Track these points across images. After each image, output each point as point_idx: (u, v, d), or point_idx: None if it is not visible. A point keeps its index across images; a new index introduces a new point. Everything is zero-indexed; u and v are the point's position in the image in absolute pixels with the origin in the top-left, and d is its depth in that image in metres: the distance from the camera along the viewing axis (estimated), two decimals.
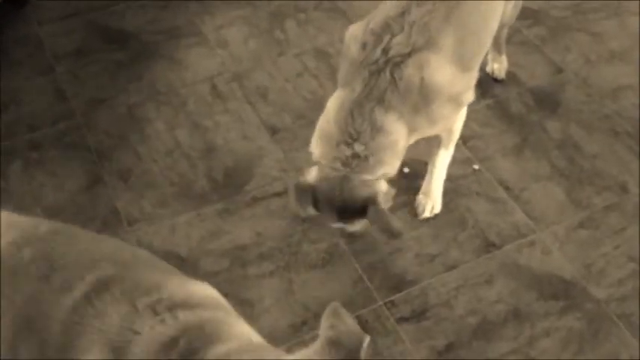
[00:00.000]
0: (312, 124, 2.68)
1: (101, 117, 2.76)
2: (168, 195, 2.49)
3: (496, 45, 2.78)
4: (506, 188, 2.53)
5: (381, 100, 2.02)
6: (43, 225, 1.45)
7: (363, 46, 2.07)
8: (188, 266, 2.30)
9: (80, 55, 3.00)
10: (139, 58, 2.99)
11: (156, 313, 1.25)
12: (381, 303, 2.23)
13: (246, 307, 2.20)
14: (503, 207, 2.48)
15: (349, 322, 1.17)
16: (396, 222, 2.08)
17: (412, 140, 2.15)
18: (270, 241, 2.37)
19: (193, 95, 2.83)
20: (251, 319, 2.17)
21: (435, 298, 2.24)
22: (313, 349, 1.15)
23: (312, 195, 2.05)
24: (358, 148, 2.02)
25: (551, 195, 2.51)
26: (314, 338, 2.16)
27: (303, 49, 3.03)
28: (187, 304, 1.29)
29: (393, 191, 2.09)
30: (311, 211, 2.07)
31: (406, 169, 2.53)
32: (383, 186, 2.07)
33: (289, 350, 2.12)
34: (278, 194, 2.50)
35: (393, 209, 2.45)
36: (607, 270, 2.31)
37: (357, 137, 2.02)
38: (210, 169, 2.58)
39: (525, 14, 2.93)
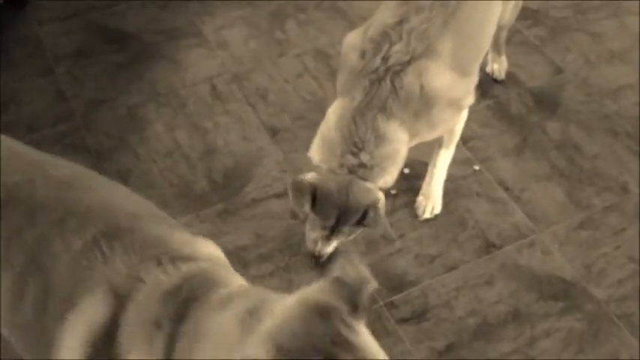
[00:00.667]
0: (312, 125, 2.68)
1: (101, 118, 2.76)
2: (168, 196, 2.49)
3: (496, 46, 2.79)
4: (506, 189, 2.53)
5: (382, 109, 2.03)
6: (63, 168, 1.48)
7: (362, 54, 2.08)
8: None
9: (80, 56, 3.00)
10: (139, 59, 2.99)
11: (160, 263, 1.30)
12: (381, 304, 2.23)
13: None
14: (503, 207, 2.48)
15: (360, 268, 1.17)
16: (390, 230, 2.11)
17: (412, 144, 2.16)
18: (270, 242, 2.37)
19: (193, 96, 2.83)
20: None
21: (435, 298, 2.24)
22: (317, 286, 1.16)
23: (310, 194, 2.05)
24: (364, 157, 2.04)
25: (552, 195, 2.51)
26: None
27: (303, 50, 3.03)
28: (190, 258, 1.34)
29: (385, 203, 2.12)
30: (307, 209, 2.07)
31: (406, 170, 2.53)
32: (382, 194, 2.09)
33: None
34: (278, 195, 2.51)
35: (393, 211, 2.46)
36: (607, 270, 2.31)
37: (362, 147, 2.04)
38: (209, 170, 2.58)
39: (525, 14, 2.94)
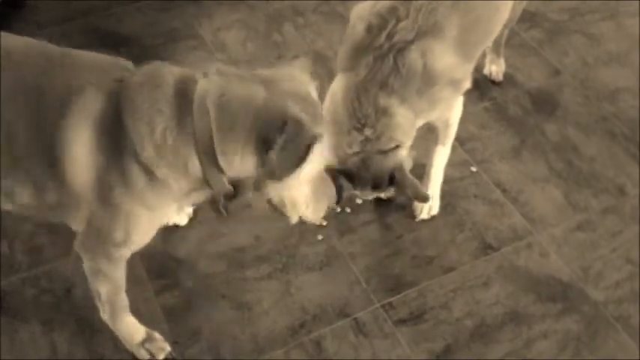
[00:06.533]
0: None
1: None
2: None
3: (495, 47, 2.79)
4: (504, 190, 2.53)
5: (384, 85, 2.03)
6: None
7: (369, 28, 2.07)
8: (185, 268, 2.30)
9: None
10: (137, 62, 2.97)
11: (128, 70, 1.67)
12: (378, 305, 2.22)
13: (244, 310, 2.20)
14: (500, 209, 2.48)
15: None
16: (421, 186, 2.19)
17: (417, 125, 2.16)
18: (267, 244, 2.37)
19: None
20: (249, 321, 2.17)
21: (432, 300, 2.24)
22: (299, 63, 1.59)
23: (341, 176, 2.11)
24: (368, 131, 2.05)
25: (549, 197, 2.51)
26: (312, 341, 2.16)
27: (300, 53, 3.03)
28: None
29: (413, 152, 2.20)
30: (350, 188, 2.13)
31: None
32: (403, 152, 2.11)
33: (287, 354, 2.12)
34: None
35: (390, 212, 2.46)
36: (604, 272, 2.31)
37: (365, 122, 2.04)
38: None
39: (523, 17, 2.93)
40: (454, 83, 2.12)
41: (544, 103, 2.83)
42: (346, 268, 2.31)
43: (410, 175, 2.13)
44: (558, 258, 2.34)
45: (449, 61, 2.05)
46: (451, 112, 2.28)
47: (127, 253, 1.79)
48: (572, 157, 2.64)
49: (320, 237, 2.38)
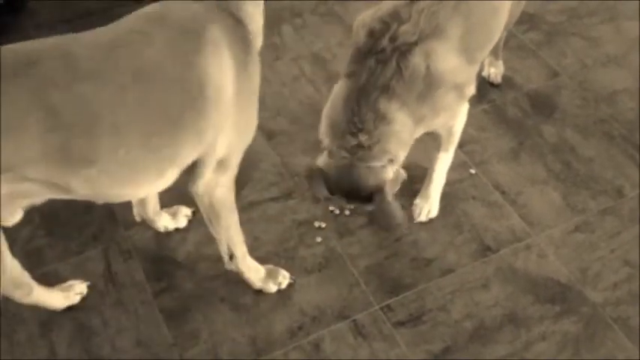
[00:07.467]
0: (308, 128, 2.68)
1: None
2: (165, 199, 2.49)
3: (493, 49, 2.78)
4: (503, 192, 2.53)
5: (385, 89, 2.00)
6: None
7: (371, 33, 2.06)
8: (184, 270, 2.30)
9: None
10: None
11: None
12: (377, 307, 2.23)
13: (242, 312, 2.20)
14: (499, 211, 2.48)
15: None
16: (400, 213, 2.09)
17: (418, 133, 2.13)
18: (266, 246, 2.37)
19: None
20: (247, 323, 2.17)
21: (431, 302, 2.24)
22: None
23: (323, 179, 2.06)
24: (362, 137, 2.00)
25: (547, 199, 2.52)
26: (310, 342, 2.16)
27: (299, 54, 3.04)
28: None
29: (403, 175, 2.10)
30: (325, 193, 2.10)
31: None
32: (390, 172, 2.05)
33: (286, 356, 2.12)
34: (274, 199, 2.51)
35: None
36: (603, 274, 2.32)
37: (361, 127, 2.00)
38: None
39: (521, 19, 2.94)
40: (458, 87, 2.10)
41: (542, 105, 2.84)
42: (345, 270, 2.31)
43: (391, 200, 2.05)
44: (557, 259, 2.35)
45: (452, 64, 2.04)
46: (455, 119, 2.28)
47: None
48: (571, 158, 2.64)
49: (319, 239, 2.38)
